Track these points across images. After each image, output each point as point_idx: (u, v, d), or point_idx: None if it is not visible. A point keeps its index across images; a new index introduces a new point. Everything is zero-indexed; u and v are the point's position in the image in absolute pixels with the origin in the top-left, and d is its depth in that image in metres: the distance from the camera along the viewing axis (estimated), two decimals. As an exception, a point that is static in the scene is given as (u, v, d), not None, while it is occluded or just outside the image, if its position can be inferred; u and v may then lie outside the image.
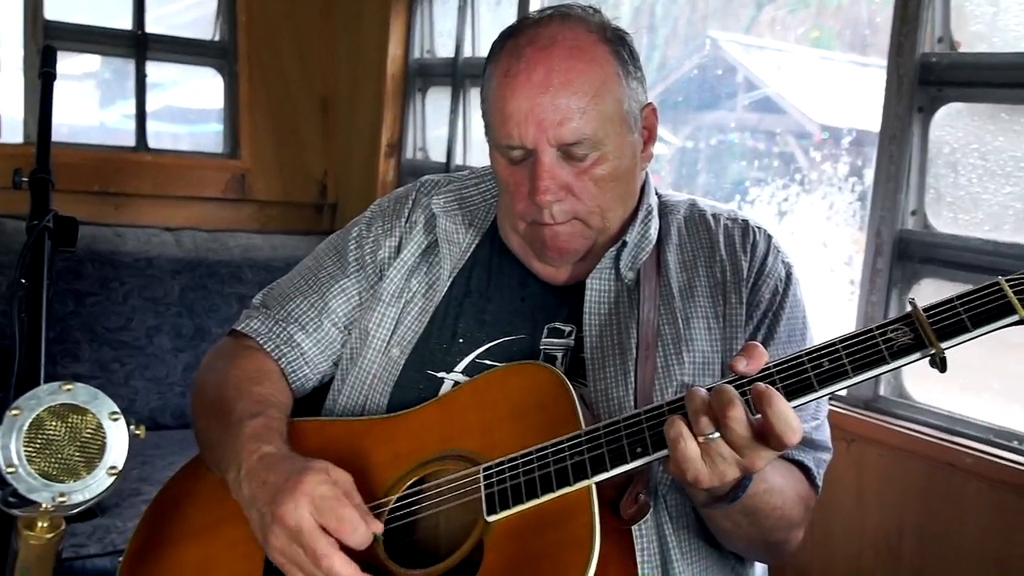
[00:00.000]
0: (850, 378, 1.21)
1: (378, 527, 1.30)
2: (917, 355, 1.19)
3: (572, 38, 1.47)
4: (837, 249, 2.77)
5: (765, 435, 1.15)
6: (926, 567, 2.13)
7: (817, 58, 3.30)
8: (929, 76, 2.30)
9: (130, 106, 4.16)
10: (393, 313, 1.64)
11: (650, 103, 1.57)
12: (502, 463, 1.34)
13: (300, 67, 4.31)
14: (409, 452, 1.46)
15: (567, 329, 1.57)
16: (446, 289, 1.64)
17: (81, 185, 3.71)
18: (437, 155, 4.03)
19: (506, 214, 1.61)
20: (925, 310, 1.20)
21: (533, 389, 1.42)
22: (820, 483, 1.53)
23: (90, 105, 4.40)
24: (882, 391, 2.36)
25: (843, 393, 2.40)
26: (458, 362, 1.59)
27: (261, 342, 1.67)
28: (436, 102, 4.08)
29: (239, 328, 1.71)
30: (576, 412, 1.35)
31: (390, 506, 1.40)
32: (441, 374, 1.59)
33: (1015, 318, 1.18)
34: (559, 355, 1.56)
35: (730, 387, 1.18)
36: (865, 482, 2.27)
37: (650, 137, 1.58)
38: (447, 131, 3.97)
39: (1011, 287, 1.19)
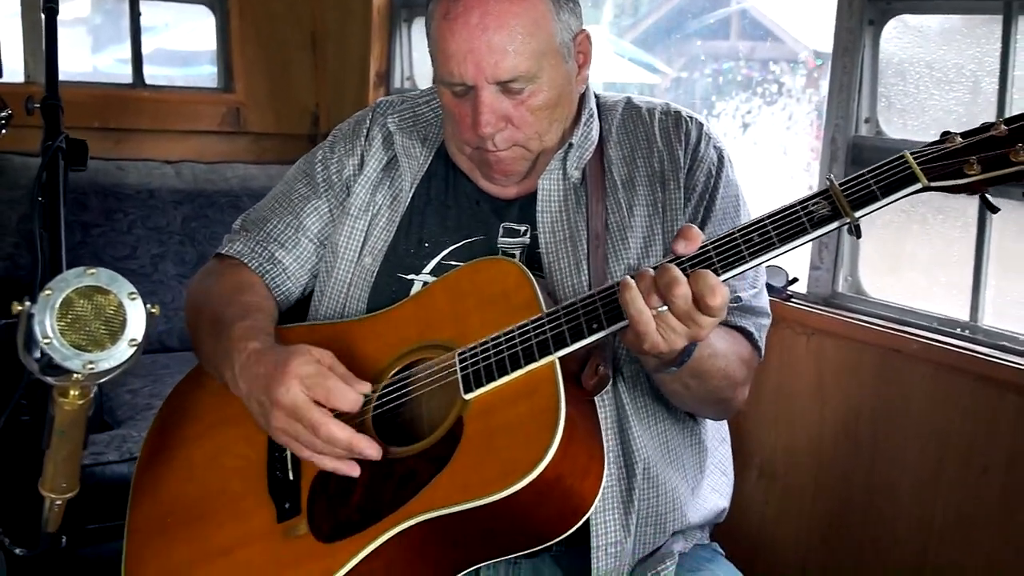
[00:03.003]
0: (777, 248, 1.34)
1: (365, 387, 1.44)
2: (835, 224, 1.32)
3: None
4: (796, 157, 2.88)
5: (698, 304, 1.29)
6: (879, 445, 2.29)
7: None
8: (878, -10, 2.41)
9: (122, 50, 4.22)
10: (362, 225, 1.77)
11: (584, 30, 1.68)
12: (475, 347, 1.47)
13: (288, 1, 4.37)
14: (390, 345, 1.59)
15: (522, 228, 1.70)
16: (409, 200, 1.76)
17: (81, 122, 3.71)
18: (424, 83, 4.08)
19: (452, 138, 1.74)
20: (840, 184, 1.33)
21: (497, 281, 1.56)
22: (762, 346, 1.67)
23: (82, 51, 4.46)
24: (840, 288, 2.51)
25: (804, 291, 2.56)
26: (425, 264, 1.71)
27: (245, 262, 1.79)
28: (422, 32, 4.08)
29: (223, 251, 1.83)
30: (537, 297, 1.48)
31: (377, 394, 1.52)
32: (411, 276, 1.72)
33: (918, 186, 1.31)
34: (516, 252, 1.69)
35: (672, 266, 1.31)
36: (824, 372, 2.42)
37: (585, 61, 1.70)
38: (433, 60, 4.06)
39: (915, 159, 1.31)
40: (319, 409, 1.40)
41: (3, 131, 2.11)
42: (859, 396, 2.35)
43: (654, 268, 1.32)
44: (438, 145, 1.79)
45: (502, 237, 1.71)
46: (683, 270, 1.31)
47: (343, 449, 1.40)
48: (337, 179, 1.81)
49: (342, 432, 1.39)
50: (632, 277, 1.34)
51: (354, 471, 1.42)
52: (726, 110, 3.06)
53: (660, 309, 1.30)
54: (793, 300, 2.52)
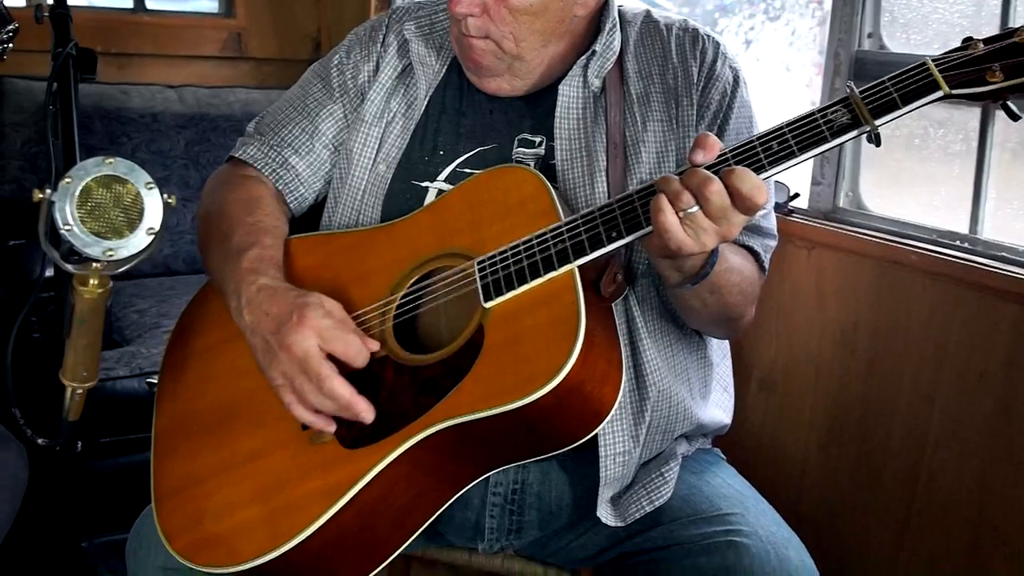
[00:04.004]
0: (796, 156, 1.32)
1: (374, 345, 1.45)
2: (855, 132, 1.30)
3: None
4: (799, 73, 2.88)
5: (736, 202, 1.29)
6: (877, 356, 2.32)
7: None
8: (883, -98, 2.40)
9: (118, -15, 4.21)
10: (376, 132, 1.76)
11: None
12: (494, 256, 1.46)
13: (289, -76, 4.34)
14: (408, 254, 1.58)
15: (537, 139, 1.69)
16: (424, 108, 1.75)
17: (84, 45, 3.81)
18: (426, 8, 4.11)
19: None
20: (860, 92, 1.31)
21: (515, 188, 1.54)
22: (767, 266, 1.68)
23: (77, -12, 4.45)
24: (841, 203, 2.53)
25: (805, 206, 2.58)
26: (440, 172, 1.71)
27: (259, 167, 1.79)
28: (423, -45, 4.13)
29: (237, 155, 1.82)
30: (555, 206, 1.48)
31: (396, 303, 1.53)
32: (425, 184, 1.71)
33: (940, 94, 1.29)
34: (531, 163, 1.68)
35: (701, 168, 1.31)
36: (824, 284, 2.45)
37: None
38: (434, -16, 4.05)
39: (937, 66, 1.29)
40: (328, 363, 1.41)
41: (10, 44, 2.12)
42: (858, 308, 2.38)
43: (678, 173, 1.32)
44: (454, 54, 1.77)
45: (517, 148, 1.70)
46: None
47: (341, 406, 1.41)
48: (352, 84, 1.81)
49: (344, 390, 1.41)
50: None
51: (329, 428, 1.44)
52: (729, 27, 3.06)
53: (691, 211, 1.30)
54: (794, 215, 2.55)
